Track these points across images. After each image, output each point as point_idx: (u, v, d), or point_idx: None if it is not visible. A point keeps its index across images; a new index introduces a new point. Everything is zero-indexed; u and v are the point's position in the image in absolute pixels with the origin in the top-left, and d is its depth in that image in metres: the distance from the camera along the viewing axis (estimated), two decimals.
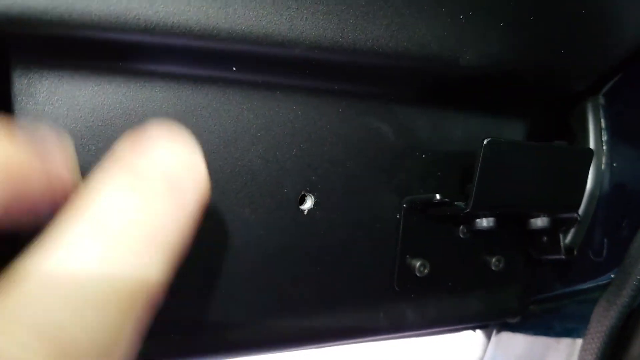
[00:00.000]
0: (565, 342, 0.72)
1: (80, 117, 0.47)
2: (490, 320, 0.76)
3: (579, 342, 0.70)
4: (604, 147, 0.68)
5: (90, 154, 0.47)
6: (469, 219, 0.62)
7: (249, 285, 0.56)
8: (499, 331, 0.83)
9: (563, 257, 0.67)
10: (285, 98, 0.55)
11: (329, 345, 0.65)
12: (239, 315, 0.55)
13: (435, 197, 0.58)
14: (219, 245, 0.54)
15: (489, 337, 0.84)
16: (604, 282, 0.66)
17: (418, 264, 0.63)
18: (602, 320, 0.63)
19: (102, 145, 0.47)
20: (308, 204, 0.58)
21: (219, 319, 0.55)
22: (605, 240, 0.68)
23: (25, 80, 0.44)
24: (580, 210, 0.67)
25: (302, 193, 0.57)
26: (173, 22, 0.43)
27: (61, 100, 0.46)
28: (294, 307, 0.59)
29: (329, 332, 0.61)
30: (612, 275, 0.64)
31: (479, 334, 0.84)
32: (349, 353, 0.91)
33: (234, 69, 0.50)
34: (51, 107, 0.45)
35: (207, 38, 0.45)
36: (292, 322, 0.59)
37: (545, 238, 0.69)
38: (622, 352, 0.64)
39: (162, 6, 0.42)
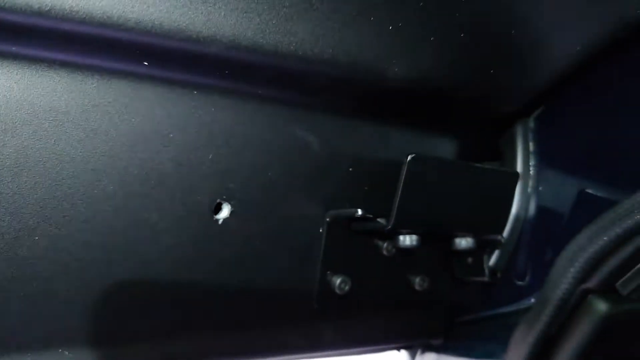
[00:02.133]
0: None
1: None
2: (414, 341, 0.74)
3: None
4: (531, 171, 0.68)
5: None
6: (393, 236, 0.60)
7: (154, 297, 0.51)
8: (422, 352, 0.81)
9: (486, 279, 0.66)
10: (203, 99, 0.51)
11: None
12: (140, 328, 0.51)
13: (357, 212, 0.55)
14: (120, 251, 0.49)
15: (413, 357, 0.83)
16: (525, 306, 0.66)
17: (339, 280, 0.60)
18: (521, 344, 0.62)
19: None
20: (224, 213, 0.54)
21: (115, 329, 0.50)
22: (529, 264, 0.67)
23: None
24: (505, 233, 0.66)
25: (218, 201, 0.54)
26: (71, 5, 0.39)
27: None
28: (204, 322, 0.55)
29: (241, 350, 0.58)
30: (533, 300, 0.64)
31: (403, 354, 0.83)
32: None
33: (146, 63, 0.47)
34: None
35: (112, 27, 0.41)
36: (201, 338, 0.55)
37: (470, 259, 0.68)
38: None
39: None
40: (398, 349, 0.80)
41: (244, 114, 0.54)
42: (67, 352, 0.48)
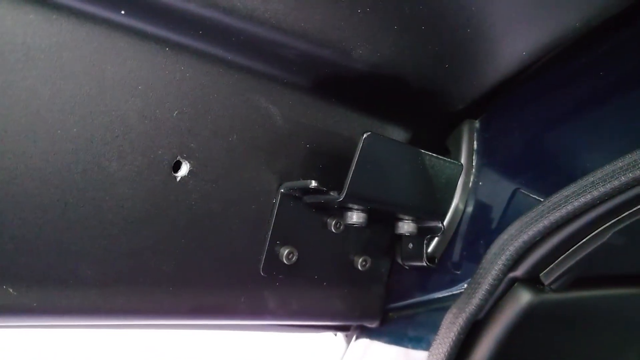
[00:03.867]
0: (416, 354, 0.75)
1: None
2: (351, 320, 0.77)
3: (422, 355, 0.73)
4: (474, 168, 0.73)
5: None
6: (342, 213, 0.63)
7: (104, 245, 0.52)
8: (357, 337, 0.84)
9: (425, 264, 0.70)
10: (174, 56, 0.53)
11: (184, 322, 0.62)
12: (87, 273, 0.51)
13: (312, 183, 0.58)
14: (76, 194, 0.50)
15: (348, 343, 0.86)
16: (457, 291, 0.70)
17: (287, 251, 0.63)
18: (451, 327, 0.66)
19: None
20: (182, 171, 0.56)
21: (62, 272, 0.50)
22: (464, 254, 0.72)
23: None
24: (445, 222, 0.71)
25: (178, 159, 0.55)
26: None
27: None
28: (151, 276, 0.56)
29: (185, 308, 0.59)
30: (465, 285, 0.68)
31: (339, 338, 0.85)
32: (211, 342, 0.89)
33: (123, 12, 0.48)
34: None
35: None
36: (147, 292, 0.56)
37: (410, 245, 0.72)
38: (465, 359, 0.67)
39: None
40: (335, 329, 0.83)
41: (212, 77, 0.56)
42: (11, 290, 0.48)
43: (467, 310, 0.65)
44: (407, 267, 0.74)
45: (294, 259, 0.63)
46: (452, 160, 0.64)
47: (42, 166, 0.48)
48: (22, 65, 0.46)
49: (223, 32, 0.52)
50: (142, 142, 0.53)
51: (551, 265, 0.64)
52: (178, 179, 0.55)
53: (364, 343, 0.82)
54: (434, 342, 0.67)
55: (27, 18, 0.45)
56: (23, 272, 0.48)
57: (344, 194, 0.57)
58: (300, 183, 0.61)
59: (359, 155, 0.56)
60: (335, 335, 0.85)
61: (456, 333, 0.66)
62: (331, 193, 0.59)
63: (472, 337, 0.67)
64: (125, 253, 0.53)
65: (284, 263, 0.62)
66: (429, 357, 0.67)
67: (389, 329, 0.79)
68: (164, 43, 0.52)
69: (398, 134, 0.71)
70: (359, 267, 0.70)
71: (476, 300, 0.65)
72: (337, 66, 0.59)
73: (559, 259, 0.63)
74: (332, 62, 0.58)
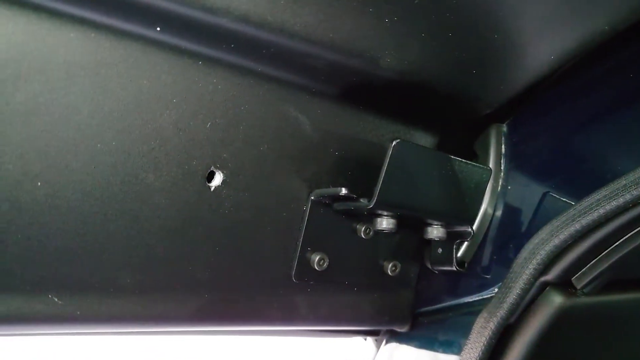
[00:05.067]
0: (446, 358, 0.75)
1: None
2: (381, 325, 0.77)
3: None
4: (502, 172, 0.73)
5: None
6: (372, 219, 0.64)
7: (142, 253, 0.54)
8: (387, 342, 0.85)
9: (455, 269, 0.70)
10: (207, 70, 0.54)
11: (217, 328, 0.64)
12: (126, 282, 0.53)
13: (342, 190, 0.59)
14: (116, 205, 0.52)
15: (378, 347, 0.86)
16: (487, 295, 0.71)
17: (318, 257, 0.64)
18: (482, 331, 0.66)
19: (7, 83, 0.45)
20: (216, 180, 0.57)
21: (103, 281, 0.52)
22: (494, 258, 0.72)
23: None
24: (474, 227, 0.71)
25: (212, 169, 0.57)
26: None
27: None
28: (186, 283, 0.57)
29: (218, 314, 0.60)
30: (496, 289, 0.68)
31: (369, 343, 0.86)
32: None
33: (158, 28, 0.50)
34: None
35: None
36: (183, 298, 0.57)
37: (440, 249, 0.72)
38: None
39: None
40: (365, 334, 0.83)
41: (243, 89, 0.57)
42: (56, 299, 0.49)
43: (498, 314, 0.65)
44: (436, 272, 0.75)
45: (325, 265, 0.64)
46: (480, 165, 0.64)
47: (83, 179, 0.50)
48: (63, 82, 0.48)
49: (254, 45, 0.53)
50: (178, 153, 0.54)
51: (583, 269, 0.64)
52: (212, 188, 0.57)
53: (394, 347, 0.83)
54: (465, 347, 0.67)
55: (68, 37, 0.47)
56: (67, 281, 0.50)
57: (374, 201, 0.57)
58: (331, 190, 0.62)
59: (388, 163, 0.57)
60: (365, 339, 0.86)
61: (487, 337, 0.66)
62: (361, 200, 0.60)
63: (504, 341, 0.67)
64: (162, 261, 0.55)
65: (315, 269, 0.63)
66: None
67: (418, 333, 0.80)
68: (197, 57, 0.53)
69: (425, 139, 0.72)
70: (389, 272, 0.70)
71: (507, 304, 0.65)
72: (364, 74, 0.59)
73: (591, 263, 0.63)
74: (360, 70, 0.59)
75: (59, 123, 0.48)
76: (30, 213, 0.47)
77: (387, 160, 0.56)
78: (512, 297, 0.65)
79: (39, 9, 0.46)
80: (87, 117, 0.49)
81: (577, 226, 0.60)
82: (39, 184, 0.47)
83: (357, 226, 0.67)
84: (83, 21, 0.48)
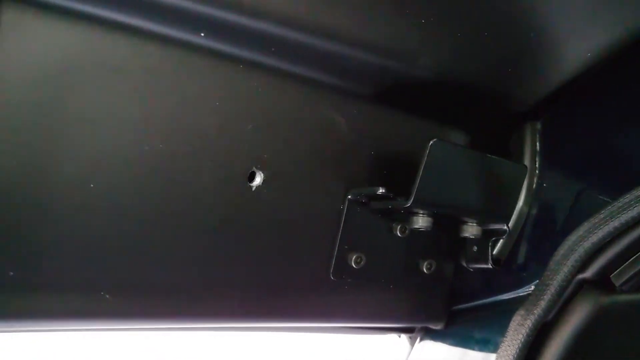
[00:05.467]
0: (481, 356, 0.76)
1: (51, 58, 0.46)
2: (416, 322, 0.78)
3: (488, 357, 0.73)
4: (537, 169, 0.73)
5: (54, 97, 0.47)
6: (408, 218, 0.65)
7: (188, 252, 0.55)
8: (422, 339, 0.85)
9: (490, 266, 0.70)
10: (248, 73, 0.56)
11: (257, 324, 0.65)
12: (173, 280, 0.55)
13: (379, 189, 0.60)
14: (163, 207, 0.53)
15: (412, 344, 0.87)
16: (523, 293, 0.71)
17: (355, 256, 0.65)
18: (519, 328, 0.67)
19: (64, 89, 0.47)
20: (257, 181, 0.59)
21: (152, 281, 0.54)
22: (529, 255, 0.72)
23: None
24: (510, 224, 0.71)
25: (253, 170, 0.58)
26: None
27: (35, 37, 0.45)
28: (230, 281, 0.59)
29: (258, 311, 0.62)
30: (532, 287, 0.68)
31: (403, 340, 0.87)
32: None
33: (202, 34, 0.51)
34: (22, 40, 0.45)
35: None
36: (227, 295, 0.59)
37: (475, 247, 0.72)
38: None
39: None
40: (400, 331, 0.84)
41: (282, 91, 0.58)
42: (108, 296, 0.52)
43: (535, 312, 0.65)
44: (471, 270, 0.75)
45: (362, 263, 0.65)
46: (516, 163, 0.65)
47: (131, 181, 0.51)
48: (114, 88, 0.50)
49: (293, 48, 0.54)
50: (221, 155, 0.56)
51: (622, 266, 0.64)
52: (253, 188, 0.58)
53: (429, 345, 0.83)
54: (502, 344, 0.67)
55: (119, 45, 0.49)
56: (118, 279, 0.52)
57: (412, 199, 0.58)
58: (368, 189, 0.63)
59: (425, 162, 0.57)
60: (399, 337, 0.87)
61: (525, 335, 0.66)
62: (398, 199, 0.61)
63: (541, 338, 0.67)
64: (207, 260, 0.57)
65: (353, 267, 0.64)
66: (497, 358, 0.68)
67: (453, 330, 0.80)
68: (239, 61, 0.55)
69: (458, 137, 0.72)
70: (424, 270, 0.71)
71: (545, 302, 0.65)
72: (401, 75, 0.60)
73: (630, 260, 0.63)
74: (396, 71, 0.60)
75: (111, 128, 0.50)
76: (84, 214, 0.49)
77: (425, 159, 0.57)
78: (549, 294, 0.65)
79: (91, 19, 0.48)
80: (136, 121, 0.51)
81: (615, 223, 0.60)
82: (92, 185, 0.49)
83: (393, 225, 0.68)
84: (133, 29, 0.50)
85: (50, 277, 0.49)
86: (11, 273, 0.47)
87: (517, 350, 0.66)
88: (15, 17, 0.44)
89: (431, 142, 0.57)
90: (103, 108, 0.49)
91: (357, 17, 0.53)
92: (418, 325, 0.82)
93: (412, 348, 0.87)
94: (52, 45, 0.46)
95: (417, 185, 0.58)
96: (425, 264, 0.71)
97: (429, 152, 0.57)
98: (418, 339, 0.86)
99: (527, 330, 0.65)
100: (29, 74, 0.46)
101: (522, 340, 0.66)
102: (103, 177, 0.50)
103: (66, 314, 0.50)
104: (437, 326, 0.79)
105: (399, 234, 0.67)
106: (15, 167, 0.46)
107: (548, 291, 0.65)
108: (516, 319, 0.67)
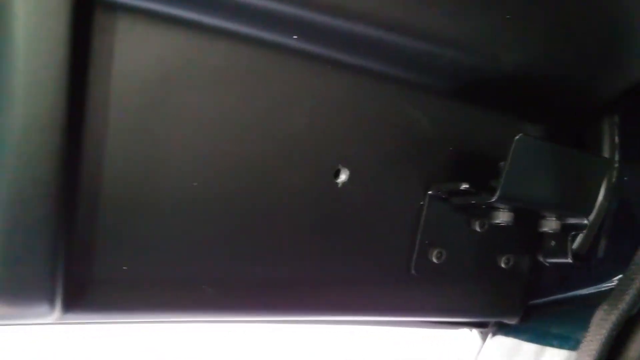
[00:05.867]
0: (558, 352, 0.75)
1: (159, 63, 0.49)
2: (491, 317, 0.78)
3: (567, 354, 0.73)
4: (617, 163, 0.72)
5: (153, 102, 0.49)
6: (489, 213, 0.65)
7: (276, 249, 0.57)
8: (495, 334, 0.85)
9: (570, 260, 0.70)
10: (335, 74, 0.57)
11: (337, 317, 0.67)
12: (263, 275, 0.57)
13: (463, 184, 0.61)
14: (252, 207, 0.55)
15: (484, 339, 0.87)
16: (604, 288, 0.70)
17: (436, 251, 0.65)
18: (602, 324, 0.66)
19: (170, 92, 0.50)
20: (342, 177, 0.60)
21: (242, 276, 0.56)
22: (610, 250, 0.71)
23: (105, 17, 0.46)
24: (590, 218, 0.70)
25: (339, 167, 0.60)
26: None
27: (136, 43, 0.48)
28: (315, 274, 0.61)
29: (338, 304, 0.63)
30: (613, 283, 0.68)
31: (475, 334, 0.87)
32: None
33: (295, 37, 0.53)
34: (125, 48, 0.47)
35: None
36: (313, 290, 0.61)
37: (553, 242, 0.72)
38: (618, 356, 0.67)
39: None
40: (473, 325, 0.84)
41: (365, 89, 0.60)
42: (209, 289, 0.54)
43: (619, 306, 0.65)
44: (547, 264, 0.75)
45: (443, 258, 0.66)
46: (599, 156, 0.64)
47: (230, 180, 0.54)
48: (210, 90, 0.52)
49: (381, 48, 0.55)
50: (309, 153, 0.57)
51: None
52: (339, 185, 0.60)
53: (502, 340, 0.83)
54: (585, 340, 0.67)
55: (213, 48, 0.51)
56: (217, 274, 0.54)
57: (497, 195, 0.58)
58: (451, 185, 0.63)
59: (511, 158, 0.58)
60: (471, 331, 0.87)
61: (608, 330, 0.65)
62: (482, 194, 0.61)
63: (626, 333, 0.66)
64: (294, 256, 0.59)
65: (434, 262, 0.65)
66: (578, 354, 0.67)
67: (528, 325, 0.80)
68: (327, 63, 0.56)
69: (536, 131, 0.72)
70: (502, 265, 0.71)
71: (630, 296, 0.64)
72: (482, 71, 0.61)
73: None
74: (478, 67, 0.60)
75: (208, 128, 0.52)
76: (187, 212, 0.52)
77: (511, 155, 0.57)
78: (634, 289, 0.64)
79: (191, 25, 0.50)
80: (231, 121, 0.53)
81: None
82: (195, 184, 0.52)
83: (472, 220, 0.68)
84: (227, 33, 0.51)
85: (158, 271, 0.52)
86: (125, 267, 0.50)
87: (601, 344, 0.65)
88: (128, 25, 0.47)
89: (516, 138, 0.57)
90: (202, 110, 0.52)
91: (443, 14, 0.54)
92: (493, 320, 0.82)
93: (483, 342, 0.87)
94: (159, 51, 0.49)
95: (503, 181, 0.58)
96: (504, 258, 0.71)
97: (514, 148, 0.57)
98: (490, 334, 0.86)
99: (611, 324, 0.65)
100: (140, 78, 0.48)
101: (606, 334, 0.65)
102: (204, 176, 0.52)
103: (171, 305, 0.53)
104: (512, 321, 0.79)
105: (478, 229, 0.68)
106: (127, 168, 0.49)
107: (633, 285, 0.64)
108: (599, 314, 0.66)
